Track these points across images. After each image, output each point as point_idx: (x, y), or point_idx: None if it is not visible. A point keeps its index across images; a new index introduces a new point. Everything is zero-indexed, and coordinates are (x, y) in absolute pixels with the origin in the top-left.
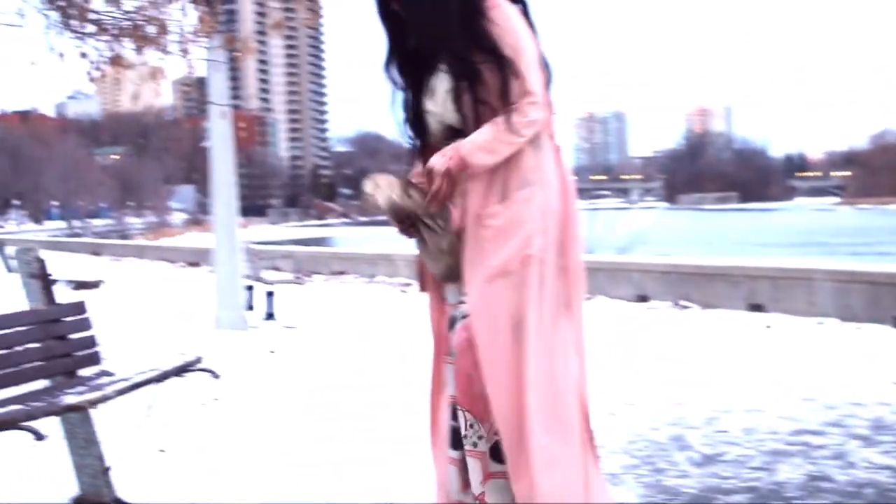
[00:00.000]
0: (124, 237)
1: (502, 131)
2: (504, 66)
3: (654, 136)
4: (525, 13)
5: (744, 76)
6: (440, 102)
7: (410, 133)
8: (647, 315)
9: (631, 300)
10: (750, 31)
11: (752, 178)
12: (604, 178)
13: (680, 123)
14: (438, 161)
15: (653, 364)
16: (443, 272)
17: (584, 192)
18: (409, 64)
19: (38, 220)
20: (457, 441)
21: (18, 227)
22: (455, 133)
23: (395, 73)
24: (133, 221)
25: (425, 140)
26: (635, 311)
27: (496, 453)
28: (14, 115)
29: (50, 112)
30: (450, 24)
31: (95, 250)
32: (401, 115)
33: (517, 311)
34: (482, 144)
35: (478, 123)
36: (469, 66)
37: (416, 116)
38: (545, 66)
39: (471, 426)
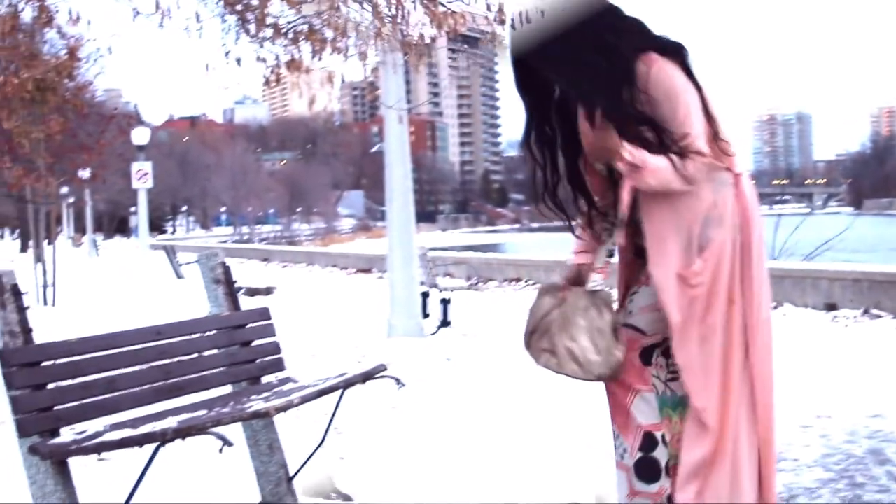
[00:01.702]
0: (292, 243)
1: (679, 175)
2: (662, 132)
3: (837, 137)
4: (684, 65)
5: None
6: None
7: (577, 193)
8: (836, 324)
9: (819, 308)
10: None
11: None
12: (786, 182)
13: (865, 125)
14: (628, 156)
15: (845, 375)
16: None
17: (765, 198)
18: (555, 118)
19: (206, 226)
20: (649, 473)
21: (187, 234)
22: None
23: (535, 147)
24: (301, 227)
25: (588, 198)
26: (824, 319)
27: (640, 471)
28: (183, 121)
29: (218, 118)
30: (617, 94)
31: (265, 257)
32: (550, 180)
33: (725, 361)
34: (663, 179)
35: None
36: (633, 133)
37: (574, 174)
38: (710, 115)
39: (616, 437)
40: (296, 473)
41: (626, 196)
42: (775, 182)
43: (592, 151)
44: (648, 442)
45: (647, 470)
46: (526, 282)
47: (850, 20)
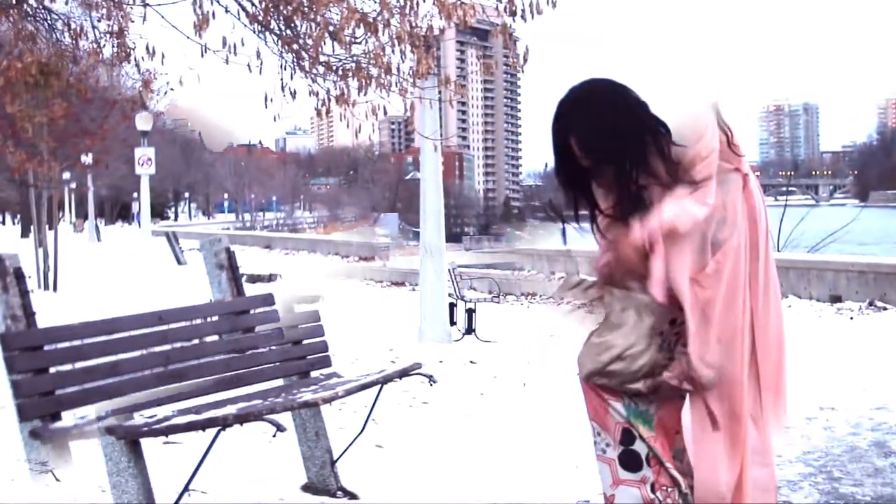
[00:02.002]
0: (294, 231)
1: (692, 205)
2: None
3: (844, 129)
4: None
5: None
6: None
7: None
8: (841, 316)
9: (823, 300)
10: None
11: None
12: (791, 173)
13: (872, 116)
14: (645, 228)
15: (849, 366)
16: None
17: (771, 189)
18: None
19: (207, 213)
20: (633, 464)
21: (190, 221)
22: None
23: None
24: (304, 216)
25: (593, 202)
26: (829, 311)
27: (625, 462)
28: (241, 147)
29: (272, 146)
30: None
31: (266, 244)
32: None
33: (741, 365)
34: (683, 218)
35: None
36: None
37: (578, 179)
38: (724, 127)
39: (598, 434)
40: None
41: (657, 272)
42: (781, 173)
43: (617, 266)
44: (627, 436)
45: (630, 461)
46: (540, 296)
47: (858, 11)
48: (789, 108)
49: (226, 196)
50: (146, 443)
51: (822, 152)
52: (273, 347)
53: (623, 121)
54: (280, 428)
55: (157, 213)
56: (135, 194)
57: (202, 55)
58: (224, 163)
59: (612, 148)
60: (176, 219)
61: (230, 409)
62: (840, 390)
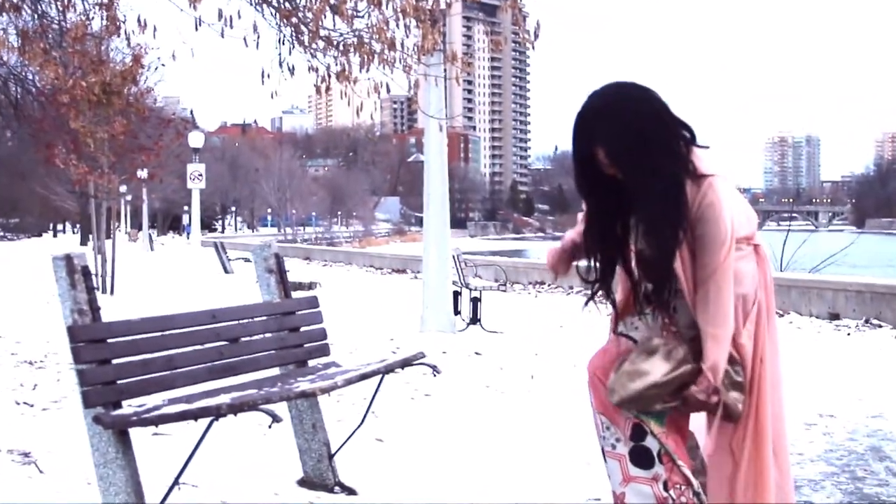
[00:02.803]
0: (332, 244)
1: (721, 333)
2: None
3: (843, 160)
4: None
5: None
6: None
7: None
8: (839, 332)
9: (823, 317)
10: None
11: None
12: (793, 200)
13: (870, 149)
14: (708, 393)
15: (847, 378)
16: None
17: (773, 214)
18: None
19: (252, 227)
20: (644, 460)
21: (235, 233)
22: None
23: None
24: (340, 230)
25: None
26: (827, 328)
27: (636, 458)
28: (235, 127)
29: (267, 126)
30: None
31: (307, 255)
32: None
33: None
34: (720, 355)
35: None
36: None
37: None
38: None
39: (607, 428)
40: (337, 450)
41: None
42: (784, 200)
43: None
44: (637, 432)
45: (641, 457)
46: (549, 285)
47: (859, 50)
48: (793, 140)
49: (269, 211)
50: (135, 434)
51: (823, 182)
52: (269, 335)
53: (648, 126)
54: (276, 418)
55: (205, 225)
56: (185, 207)
57: (196, 28)
58: (269, 179)
59: (640, 156)
60: (223, 231)
61: (224, 399)
62: (838, 400)
